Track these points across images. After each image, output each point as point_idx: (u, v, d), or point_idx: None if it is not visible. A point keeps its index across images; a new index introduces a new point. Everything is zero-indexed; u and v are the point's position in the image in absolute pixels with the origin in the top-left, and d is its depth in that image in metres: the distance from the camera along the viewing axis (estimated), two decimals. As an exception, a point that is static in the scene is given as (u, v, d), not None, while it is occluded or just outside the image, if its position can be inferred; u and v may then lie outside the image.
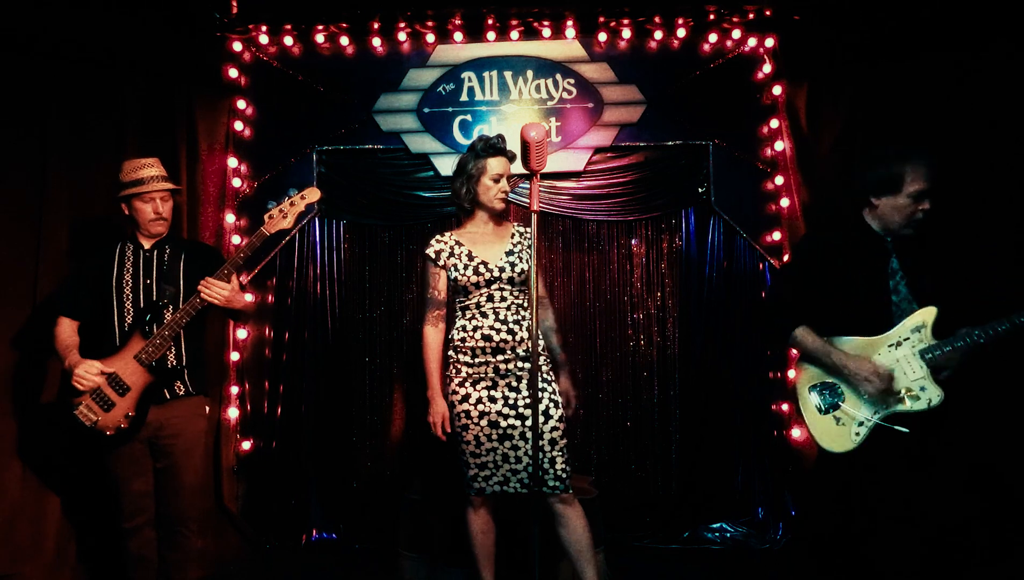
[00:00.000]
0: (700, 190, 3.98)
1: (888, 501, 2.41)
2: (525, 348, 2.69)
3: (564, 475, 2.63)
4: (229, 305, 2.77)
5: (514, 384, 2.67)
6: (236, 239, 3.95)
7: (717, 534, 3.89)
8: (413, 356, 4.10)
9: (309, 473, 3.98)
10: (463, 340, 2.71)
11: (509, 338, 2.67)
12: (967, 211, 3.22)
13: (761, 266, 3.93)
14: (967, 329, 2.30)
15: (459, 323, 2.75)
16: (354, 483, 4.03)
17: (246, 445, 3.97)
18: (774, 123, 3.94)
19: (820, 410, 2.44)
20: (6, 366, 3.23)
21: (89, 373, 2.63)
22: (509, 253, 2.74)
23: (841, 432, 2.38)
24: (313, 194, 2.87)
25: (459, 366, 2.72)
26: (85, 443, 2.81)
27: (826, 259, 2.50)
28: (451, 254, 2.74)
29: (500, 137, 2.75)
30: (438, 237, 2.80)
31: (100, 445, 2.73)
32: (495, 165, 2.71)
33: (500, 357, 2.67)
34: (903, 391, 2.32)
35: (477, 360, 2.69)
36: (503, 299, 2.71)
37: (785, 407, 3.88)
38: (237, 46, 4.00)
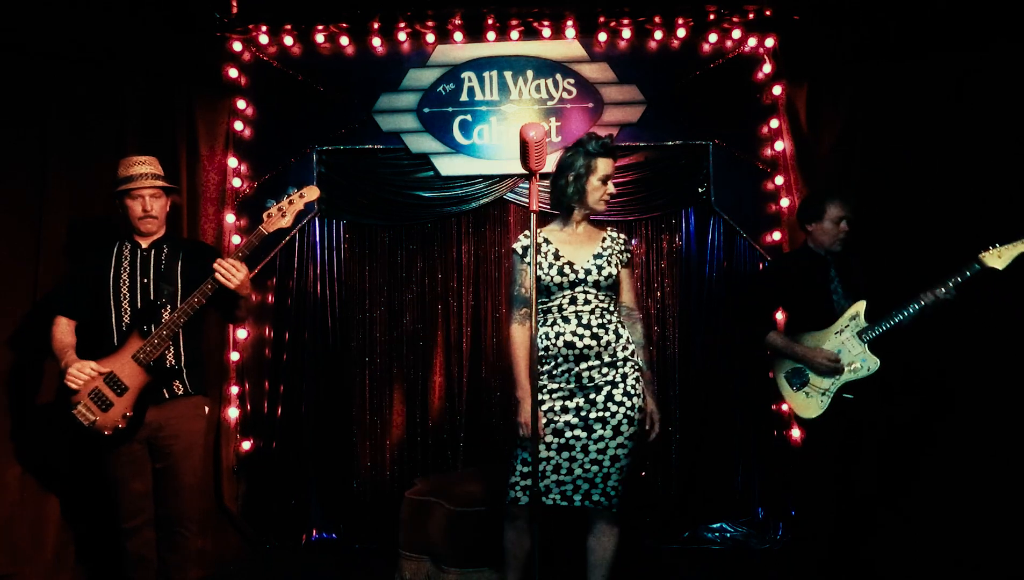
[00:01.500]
0: (700, 190, 3.98)
1: (844, 457, 3.06)
2: (611, 353, 2.59)
3: (612, 493, 2.56)
4: (240, 290, 2.74)
5: (592, 395, 2.57)
6: (236, 239, 3.95)
7: (717, 534, 3.89)
8: (413, 356, 4.11)
9: (309, 473, 3.99)
10: (547, 349, 2.61)
11: (594, 343, 2.57)
12: (891, 219, 3.58)
13: (761, 266, 3.93)
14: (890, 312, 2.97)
15: (542, 330, 2.64)
16: (354, 483, 4.03)
17: (246, 445, 3.97)
18: (774, 123, 3.94)
19: (794, 388, 3.13)
20: (5, 366, 3.22)
21: (82, 372, 2.63)
22: (598, 256, 2.65)
23: (811, 402, 3.06)
24: (312, 193, 2.85)
25: (542, 377, 2.62)
26: (84, 443, 2.81)
27: (785, 274, 3.26)
28: (538, 251, 2.65)
29: (611, 136, 2.69)
30: (527, 233, 2.71)
31: (99, 445, 2.73)
32: (604, 165, 2.63)
33: (584, 365, 2.57)
34: (850, 364, 3.00)
35: (560, 369, 2.59)
36: (587, 302, 2.60)
37: (785, 407, 3.87)
38: (237, 46, 4.00)
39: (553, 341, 2.59)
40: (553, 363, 2.60)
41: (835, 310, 3.09)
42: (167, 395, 2.79)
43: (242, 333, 3.97)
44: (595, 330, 2.58)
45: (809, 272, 3.17)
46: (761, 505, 3.91)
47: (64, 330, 2.80)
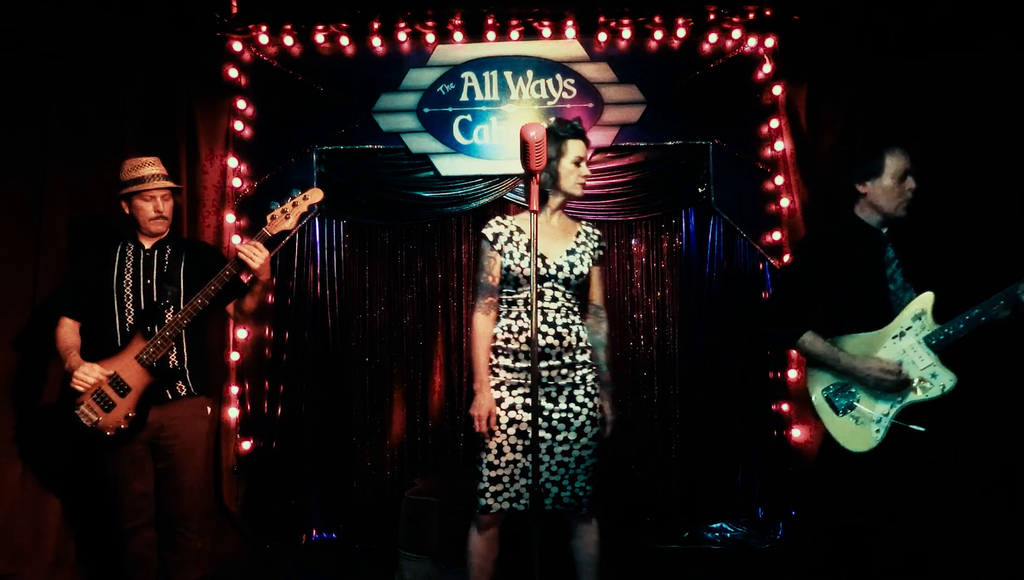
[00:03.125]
0: (700, 190, 3.98)
1: (906, 499, 2.41)
2: (571, 355, 2.50)
3: (582, 494, 2.49)
4: (260, 274, 2.74)
5: (553, 394, 2.49)
6: (236, 239, 3.95)
7: (717, 534, 3.89)
8: (413, 356, 4.11)
9: (309, 473, 3.98)
10: (507, 341, 2.51)
11: (556, 342, 2.47)
12: (958, 195, 3.27)
13: (761, 266, 3.93)
14: (969, 309, 2.29)
15: (503, 322, 2.54)
16: (354, 483, 4.03)
17: (246, 445, 3.97)
18: (774, 123, 3.94)
19: (837, 412, 2.44)
20: (6, 366, 3.22)
21: (89, 375, 2.62)
22: (571, 252, 2.56)
23: (861, 432, 2.38)
24: (316, 195, 2.83)
25: (498, 370, 2.52)
26: (85, 443, 2.81)
27: (825, 254, 2.54)
28: (509, 240, 2.55)
29: (579, 119, 2.61)
30: (498, 219, 2.62)
31: (100, 445, 2.72)
32: (575, 147, 2.53)
33: (543, 363, 2.48)
34: (915, 381, 2.32)
35: (519, 365, 2.50)
36: (554, 300, 2.51)
37: (785, 407, 3.88)
38: (237, 46, 4.00)
39: (515, 335, 2.51)
40: (512, 357, 2.51)
41: (892, 305, 2.41)
42: (170, 396, 2.79)
43: (242, 333, 3.97)
44: (559, 329, 2.48)
45: (858, 251, 2.48)
46: (761, 505, 3.91)
47: (68, 331, 2.80)
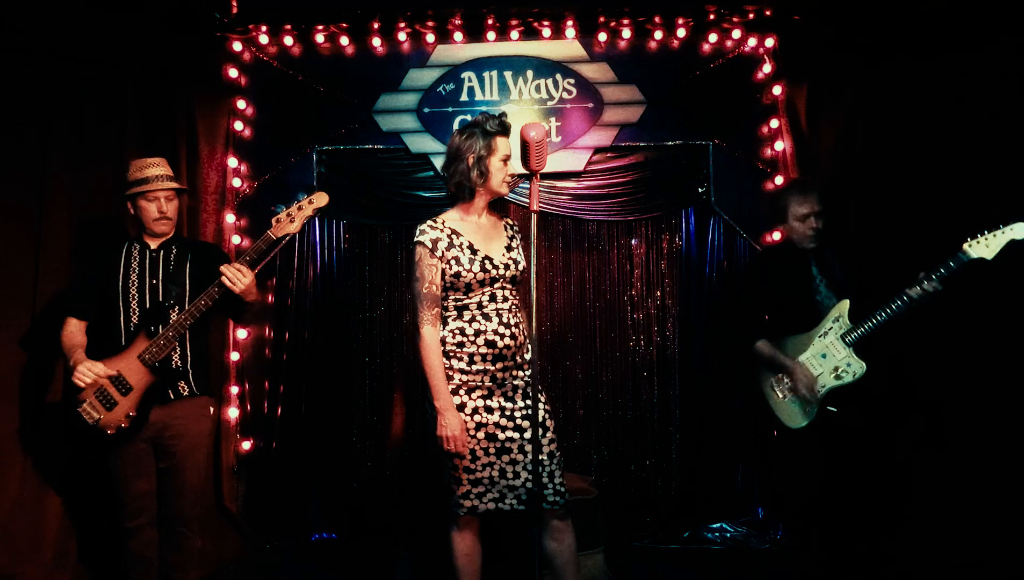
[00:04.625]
0: (700, 190, 3.98)
1: (832, 466, 3.01)
2: (522, 354, 2.49)
3: (562, 489, 2.47)
4: (246, 296, 2.75)
5: (509, 394, 2.47)
6: (236, 239, 3.95)
7: (717, 534, 3.89)
8: (414, 356, 4.10)
9: (309, 473, 3.99)
10: (460, 345, 2.44)
11: (512, 343, 2.45)
12: (957, 196, 3.41)
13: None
14: (874, 311, 2.85)
15: (454, 325, 2.46)
16: (354, 483, 4.03)
17: (246, 445, 3.97)
18: (774, 123, 3.94)
19: (781, 397, 3.04)
20: (7, 366, 3.22)
21: (91, 371, 2.63)
22: (509, 249, 2.54)
23: (798, 412, 2.98)
24: (321, 199, 2.78)
25: (452, 374, 2.45)
26: (86, 443, 2.81)
27: (764, 271, 3.15)
28: (450, 245, 2.46)
29: (504, 114, 2.52)
30: (431, 223, 2.50)
31: (102, 445, 2.73)
32: (504, 146, 2.47)
33: (499, 365, 2.45)
34: (836, 369, 2.89)
35: (475, 367, 2.44)
36: (505, 299, 2.48)
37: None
38: (237, 46, 4.00)
39: (471, 337, 2.44)
40: (467, 360, 2.45)
41: (819, 310, 2.98)
42: (172, 395, 2.79)
43: (242, 333, 3.97)
44: (513, 330, 2.46)
45: (790, 269, 3.05)
46: (761, 505, 3.91)
47: (73, 331, 2.80)
